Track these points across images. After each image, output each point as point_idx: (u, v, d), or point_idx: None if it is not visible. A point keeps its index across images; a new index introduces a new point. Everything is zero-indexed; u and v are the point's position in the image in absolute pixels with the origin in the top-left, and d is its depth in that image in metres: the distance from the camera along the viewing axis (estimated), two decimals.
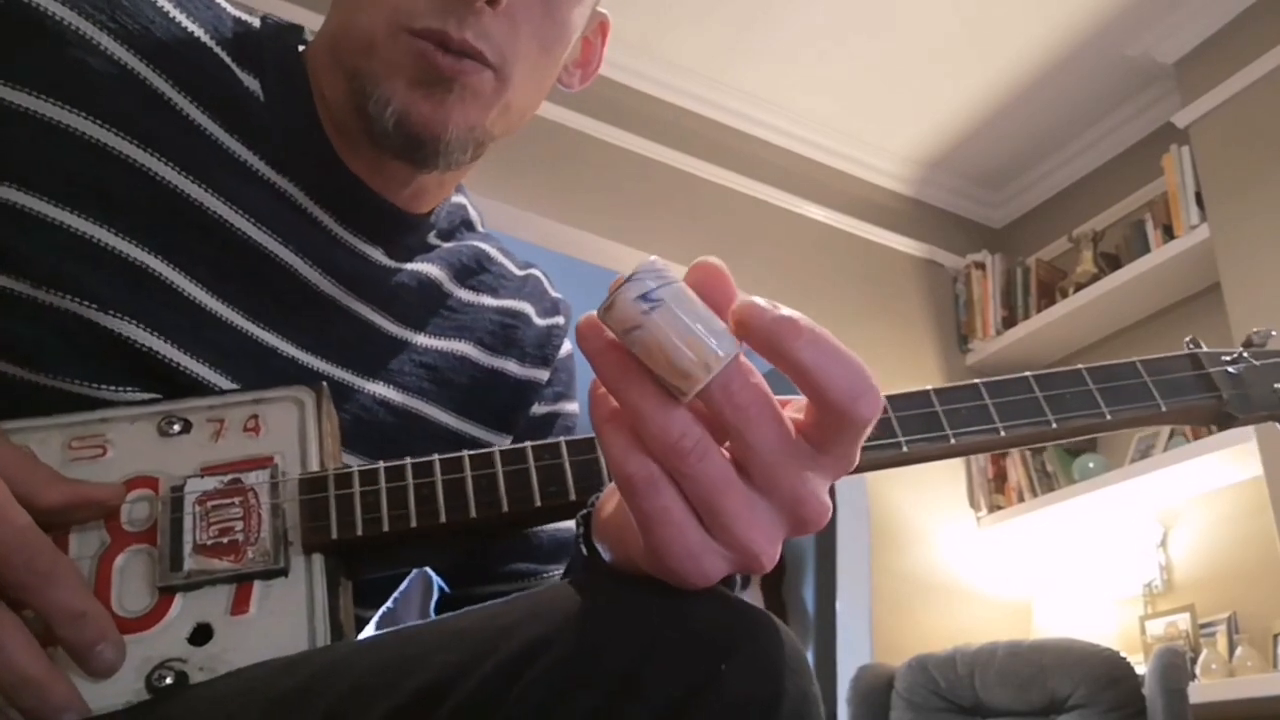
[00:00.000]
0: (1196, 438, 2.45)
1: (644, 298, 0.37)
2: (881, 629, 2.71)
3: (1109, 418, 0.62)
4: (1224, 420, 0.68)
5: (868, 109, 3.04)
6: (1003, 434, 0.57)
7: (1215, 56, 2.59)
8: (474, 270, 0.75)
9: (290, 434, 0.53)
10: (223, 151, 0.61)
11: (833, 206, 3.17)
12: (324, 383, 0.56)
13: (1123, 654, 1.96)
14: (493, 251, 0.77)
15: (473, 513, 0.51)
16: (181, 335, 0.57)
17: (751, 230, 3.01)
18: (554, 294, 0.81)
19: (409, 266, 0.70)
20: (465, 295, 0.73)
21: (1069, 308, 2.87)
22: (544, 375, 0.77)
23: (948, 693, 2.12)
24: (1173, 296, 2.76)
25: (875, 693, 2.23)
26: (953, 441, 0.56)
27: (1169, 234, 2.64)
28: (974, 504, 2.98)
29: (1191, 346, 0.69)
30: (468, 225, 0.78)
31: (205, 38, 0.63)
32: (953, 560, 2.88)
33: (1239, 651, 2.30)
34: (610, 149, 2.85)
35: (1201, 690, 2.18)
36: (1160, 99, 2.89)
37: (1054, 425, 0.59)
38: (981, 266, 3.21)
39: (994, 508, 2.94)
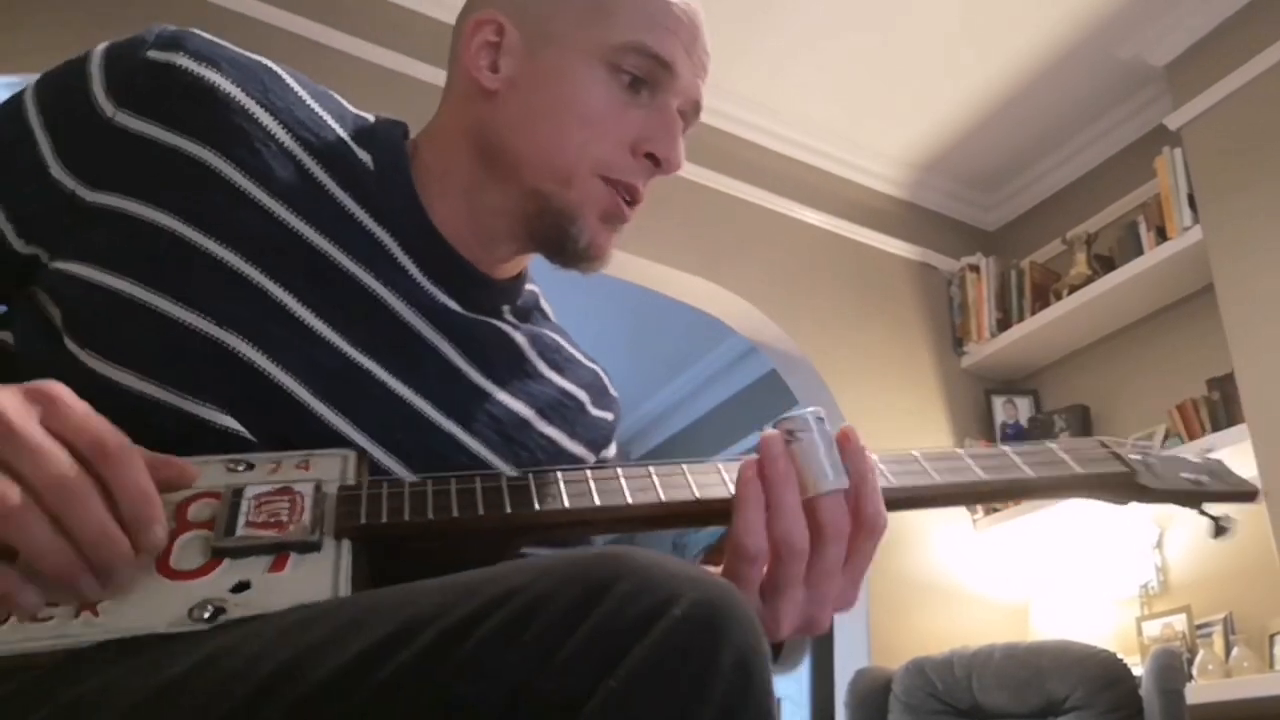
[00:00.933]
0: (1192, 438, 2.46)
1: (808, 424, 0.62)
2: (878, 632, 2.71)
3: (1031, 474, 0.72)
4: (1139, 491, 0.75)
5: (861, 113, 3.05)
6: (937, 479, 0.69)
7: (1207, 59, 2.60)
8: (553, 349, 0.85)
9: (334, 471, 0.64)
10: (337, 204, 0.73)
11: (827, 210, 3.18)
12: (365, 451, 0.67)
13: (1119, 655, 1.97)
14: (564, 342, 0.88)
15: (480, 510, 0.61)
16: (289, 356, 0.67)
17: (746, 234, 3.02)
18: (612, 392, 0.90)
19: (488, 320, 0.80)
20: (540, 366, 0.83)
21: (1063, 310, 2.88)
22: (591, 458, 0.86)
23: (945, 695, 2.12)
24: (1166, 298, 2.77)
25: (873, 696, 2.23)
26: (893, 483, 0.67)
27: (1162, 236, 2.65)
28: (970, 506, 2.98)
29: (1099, 441, 0.78)
30: (542, 313, 0.89)
31: (330, 120, 0.77)
32: (949, 562, 2.88)
33: (1235, 652, 2.30)
34: None
35: (1198, 691, 2.18)
36: (1152, 101, 2.90)
37: (984, 477, 0.70)
38: (976, 269, 3.22)
39: (990, 510, 2.94)
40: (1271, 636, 2.31)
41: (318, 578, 0.56)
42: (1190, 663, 2.31)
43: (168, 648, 0.49)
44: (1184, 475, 0.77)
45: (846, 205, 3.22)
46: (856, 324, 3.08)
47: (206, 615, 0.53)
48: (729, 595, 0.44)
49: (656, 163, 0.78)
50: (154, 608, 0.53)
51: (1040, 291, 3.06)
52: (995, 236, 3.44)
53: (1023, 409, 3.09)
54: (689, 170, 2.94)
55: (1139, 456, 0.77)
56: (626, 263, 2.83)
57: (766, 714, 0.43)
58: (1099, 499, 0.76)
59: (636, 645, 0.41)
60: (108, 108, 0.69)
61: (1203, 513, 0.77)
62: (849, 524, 0.60)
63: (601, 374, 0.89)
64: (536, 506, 0.61)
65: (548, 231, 0.77)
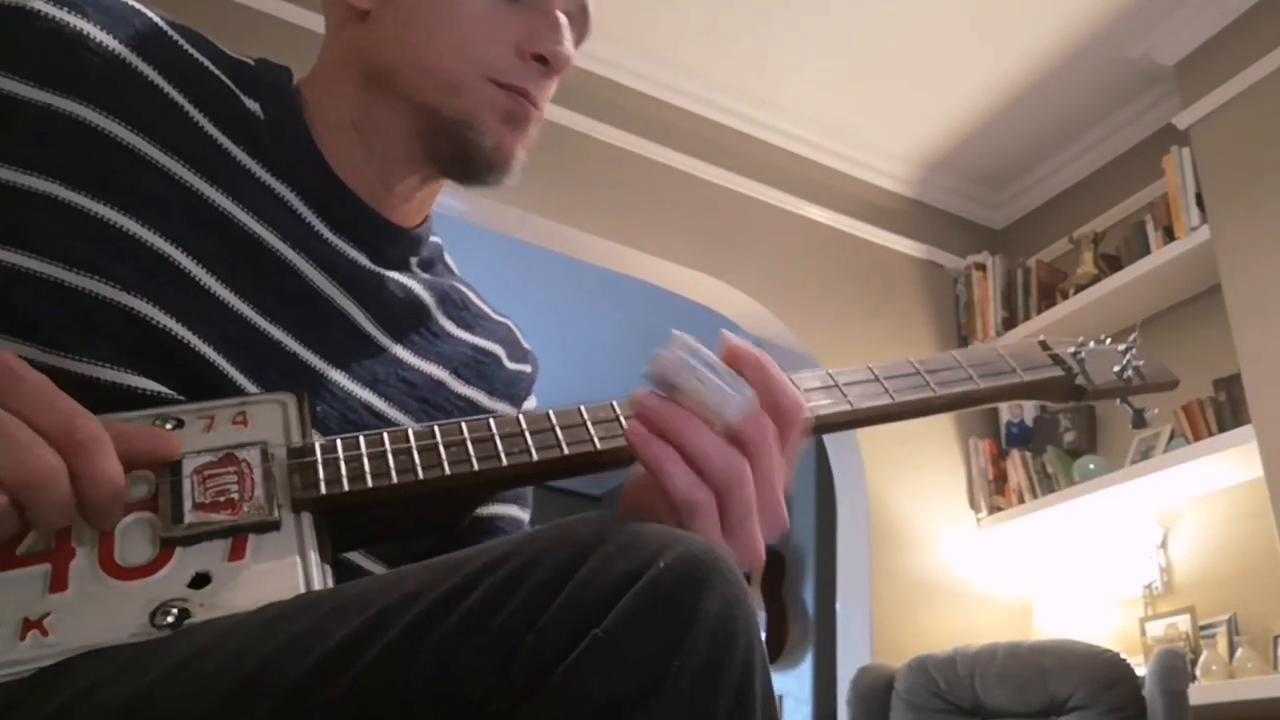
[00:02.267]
0: (1198, 438, 2.45)
1: (684, 364, 0.54)
2: (882, 630, 2.71)
3: (980, 385, 0.73)
4: (1077, 393, 0.80)
5: (868, 110, 3.04)
6: (894, 399, 0.69)
7: (1216, 58, 2.59)
8: (459, 306, 0.81)
9: (275, 425, 0.58)
10: (230, 159, 0.68)
11: (834, 207, 3.17)
12: (304, 391, 0.62)
13: (1123, 655, 1.97)
14: (472, 295, 0.84)
15: (446, 470, 0.57)
16: (195, 320, 0.62)
17: (752, 231, 3.02)
18: (525, 345, 0.87)
19: (393, 275, 0.75)
20: (448, 325, 0.79)
21: (1069, 309, 2.87)
22: (513, 414, 0.82)
23: (948, 694, 2.12)
24: (1173, 298, 2.76)
25: (875, 693, 2.23)
26: (856, 406, 0.67)
27: (1169, 235, 2.64)
28: (974, 505, 2.98)
29: (1040, 340, 0.82)
30: (446, 266, 0.84)
31: (213, 67, 0.71)
32: (953, 561, 2.88)
33: (1239, 653, 2.30)
34: (611, 150, 2.85)
35: (1202, 692, 2.18)
36: (1161, 101, 2.89)
37: (937, 392, 0.71)
38: (982, 267, 3.21)
39: (994, 509, 2.94)
40: (1276, 638, 2.31)
41: (283, 564, 0.52)
42: (1194, 664, 2.30)
43: (140, 652, 0.47)
44: (1114, 370, 0.82)
45: (853, 203, 3.21)
46: (862, 321, 3.07)
47: (170, 620, 0.49)
48: (711, 550, 0.45)
49: (546, 63, 0.74)
50: (109, 617, 0.48)
51: (1046, 290, 3.05)
52: (1002, 235, 3.44)
53: (1028, 408, 3.08)
54: (694, 166, 2.96)
55: (1074, 351, 0.81)
56: (632, 258, 2.83)
57: (749, 664, 0.42)
58: (1040, 400, 0.81)
59: (622, 598, 0.41)
60: None
61: (1127, 404, 0.84)
62: (771, 427, 0.56)
63: (513, 327, 0.86)
64: (504, 461, 0.58)
65: (448, 146, 0.73)
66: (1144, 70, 2.81)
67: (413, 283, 0.77)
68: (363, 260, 0.73)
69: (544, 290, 3.97)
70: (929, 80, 2.90)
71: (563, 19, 0.75)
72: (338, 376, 0.68)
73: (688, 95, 2.97)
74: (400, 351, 0.74)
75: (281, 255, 0.68)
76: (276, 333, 0.66)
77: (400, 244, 0.77)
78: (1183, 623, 2.51)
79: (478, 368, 0.79)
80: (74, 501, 0.49)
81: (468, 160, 0.73)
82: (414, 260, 0.79)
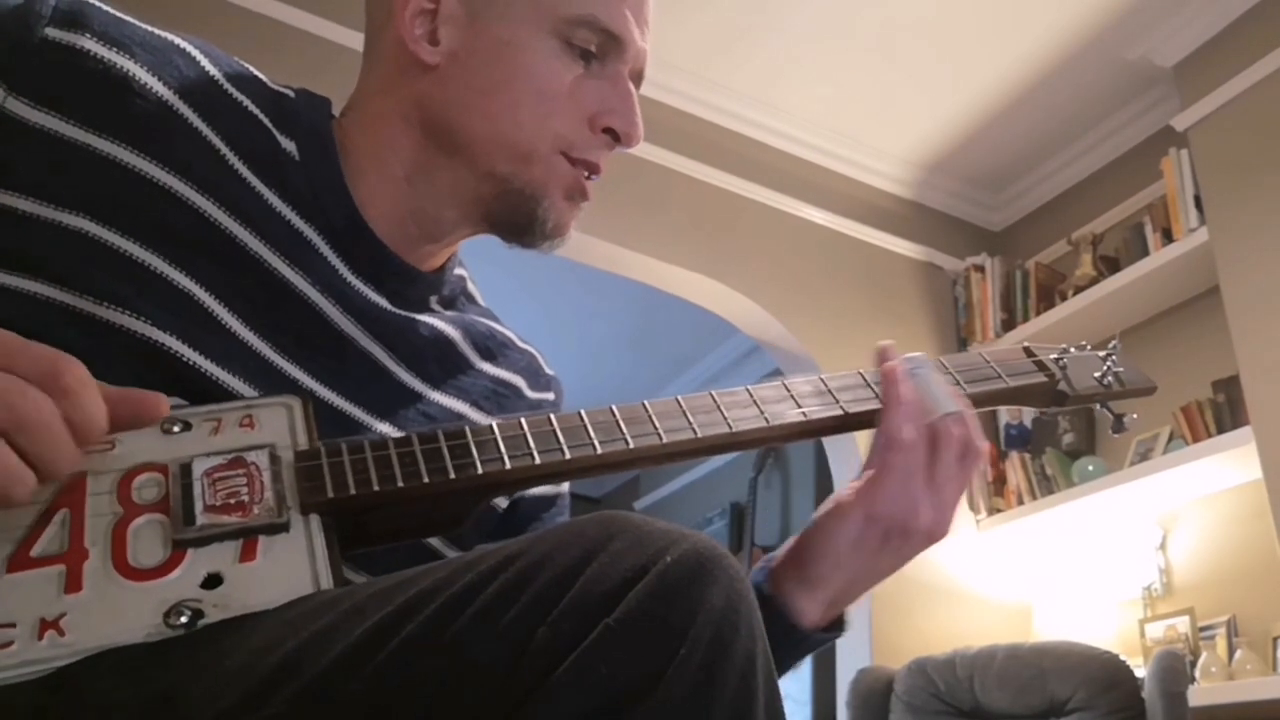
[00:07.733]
0: (1196, 440, 2.45)
1: (916, 368, 0.73)
2: (881, 632, 2.71)
3: (967, 391, 0.77)
4: (1059, 398, 0.83)
5: (867, 112, 3.04)
6: (877, 405, 0.74)
7: (1214, 60, 2.59)
8: (484, 335, 0.81)
9: (282, 428, 0.60)
10: (262, 200, 0.69)
11: (832, 209, 3.17)
12: (309, 395, 0.63)
13: (1122, 657, 1.96)
14: (497, 325, 0.84)
15: (451, 474, 0.59)
16: (217, 355, 0.63)
17: (751, 233, 3.02)
18: (549, 372, 0.87)
19: (419, 318, 0.76)
20: (473, 358, 0.80)
21: (1068, 310, 2.87)
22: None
23: (947, 695, 2.12)
24: (1172, 300, 2.76)
25: (875, 695, 2.23)
26: (845, 411, 0.73)
27: (1168, 237, 2.64)
28: (973, 507, 2.98)
29: (1024, 346, 0.85)
30: (469, 297, 0.84)
31: (250, 105, 0.71)
32: (952, 563, 2.88)
33: (1238, 655, 2.30)
34: None
35: (1201, 693, 2.18)
36: (1159, 102, 2.89)
37: None
38: (981, 269, 3.21)
39: (993, 510, 2.94)
40: (1275, 639, 2.31)
41: (293, 564, 0.53)
42: (1193, 665, 2.30)
43: (162, 652, 0.48)
44: (1095, 376, 0.85)
45: (852, 204, 3.21)
46: (861, 324, 3.07)
47: (184, 620, 0.50)
48: (715, 547, 0.46)
49: (616, 137, 0.76)
50: (123, 617, 0.49)
51: (1045, 292, 3.05)
52: (1001, 237, 3.44)
53: (1027, 410, 3.07)
54: (693, 168, 2.96)
55: (1056, 357, 0.84)
56: (631, 260, 2.83)
57: (751, 655, 0.44)
58: (1024, 406, 0.83)
59: (631, 591, 0.43)
60: None
61: (1106, 409, 0.86)
62: (953, 437, 0.71)
63: (536, 355, 0.86)
64: (507, 465, 0.60)
65: (511, 214, 0.75)
66: (1142, 72, 2.81)
67: (435, 320, 0.77)
68: (383, 303, 0.73)
69: (543, 292, 3.97)
70: (927, 81, 2.91)
71: (632, 89, 0.76)
72: (357, 412, 0.69)
73: (685, 96, 2.96)
74: (421, 387, 0.74)
75: (305, 297, 0.68)
76: (293, 370, 0.67)
77: (420, 287, 0.77)
78: (1182, 624, 2.51)
79: (498, 400, 0.80)
80: (73, 440, 0.49)
81: (525, 230, 0.75)
82: (434, 299, 0.79)
